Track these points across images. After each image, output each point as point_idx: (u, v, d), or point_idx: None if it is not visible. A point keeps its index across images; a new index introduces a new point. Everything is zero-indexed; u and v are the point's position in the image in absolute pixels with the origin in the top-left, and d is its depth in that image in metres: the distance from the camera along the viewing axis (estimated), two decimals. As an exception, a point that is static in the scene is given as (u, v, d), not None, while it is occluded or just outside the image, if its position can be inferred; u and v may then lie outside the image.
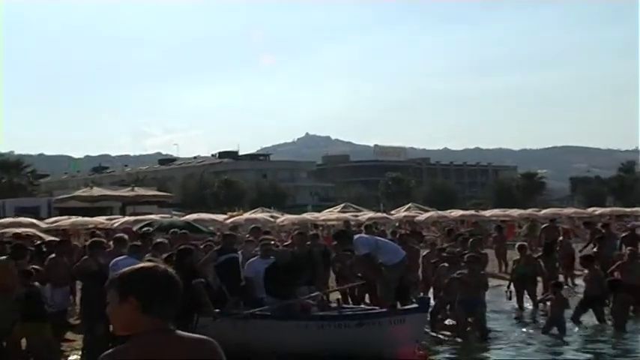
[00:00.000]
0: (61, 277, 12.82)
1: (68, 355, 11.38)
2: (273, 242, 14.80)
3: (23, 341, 10.97)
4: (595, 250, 17.77)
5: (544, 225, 26.08)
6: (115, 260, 11.64)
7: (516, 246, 16.95)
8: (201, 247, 14.74)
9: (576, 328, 13.30)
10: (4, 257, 11.77)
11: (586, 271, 14.55)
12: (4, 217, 33.93)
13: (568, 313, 13.30)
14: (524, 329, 13.65)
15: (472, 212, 41.94)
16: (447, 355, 11.77)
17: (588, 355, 11.64)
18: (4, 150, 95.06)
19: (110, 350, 3.00)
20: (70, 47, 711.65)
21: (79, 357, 11.19)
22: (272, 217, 36.10)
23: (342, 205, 42.30)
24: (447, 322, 13.49)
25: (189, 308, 9.95)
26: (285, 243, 16.36)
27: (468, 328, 12.83)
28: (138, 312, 2.97)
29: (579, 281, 16.51)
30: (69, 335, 12.50)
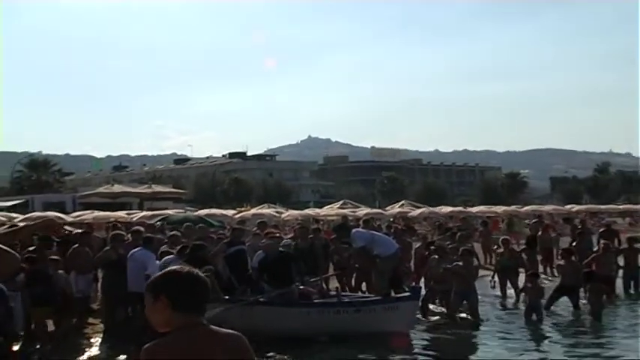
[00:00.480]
0: (84, 266, 12.80)
1: (91, 338, 11.37)
2: (278, 235, 14.82)
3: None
4: (574, 244, 17.76)
5: (534, 221, 26.16)
6: (132, 251, 11.66)
7: (500, 240, 16.94)
8: (215, 238, 14.80)
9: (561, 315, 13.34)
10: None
11: (562, 262, 14.58)
12: (33, 211, 33.95)
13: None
14: (506, 316, 13.64)
15: (460, 209, 42.00)
16: (439, 341, 11.70)
17: (566, 338, 11.66)
18: (33, 150, 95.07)
19: (150, 343, 3.05)
20: (94, 58, 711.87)
21: (100, 339, 11.18)
22: (277, 212, 36.12)
23: (341, 202, 42.27)
24: (434, 308, 13.49)
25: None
26: (289, 236, 16.29)
27: (462, 315, 12.82)
28: (169, 309, 3.04)
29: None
30: (91, 319, 12.50)
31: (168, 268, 3.27)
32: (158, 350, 3.03)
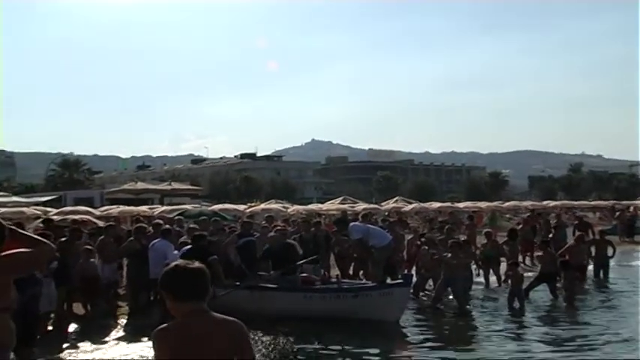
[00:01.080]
0: (110, 255, 12.83)
1: (118, 319, 11.40)
2: (283, 228, 14.83)
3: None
4: (550, 236, 17.76)
5: (527, 215, 26.24)
6: (153, 242, 11.69)
7: (483, 232, 16.93)
8: (227, 231, 14.81)
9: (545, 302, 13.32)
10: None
11: (541, 252, 14.57)
12: (65, 206, 34.00)
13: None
14: (490, 301, 13.63)
15: (448, 204, 41.87)
16: (429, 324, 11.69)
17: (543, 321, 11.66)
18: (65, 151, 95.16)
19: (159, 327, 3.18)
20: (121, 69, 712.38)
21: (126, 320, 11.22)
22: (284, 207, 36.09)
23: (341, 198, 42.24)
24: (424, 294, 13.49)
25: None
26: (292, 229, 16.32)
27: (449, 297, 12.80)
28: (172, 300, 3.23)
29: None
30: (118, 302, 12.53)
31: (168, 266, 3.38)
32: (166, 334, 3.16)
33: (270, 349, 8.84)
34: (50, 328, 10.19)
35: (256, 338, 9.10)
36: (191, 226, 15.03)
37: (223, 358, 3.15)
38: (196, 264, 3.30)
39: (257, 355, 8.31)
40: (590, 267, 16.13)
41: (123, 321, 11.20)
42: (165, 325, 3.19)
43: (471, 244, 20.73)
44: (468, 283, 13.56)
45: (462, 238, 15.26)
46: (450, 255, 12.87)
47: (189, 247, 11.03)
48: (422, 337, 10.60)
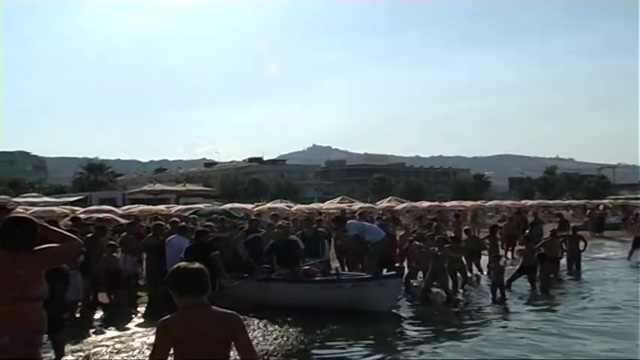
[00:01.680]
0: (131, 250, 12.85)
1: (138, 307, 11.42)
2: (287, 224, 14.83)
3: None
4: (527, 231, 17.77)
5: (515, 212, 26.45)
6: (169, 238, 11.69)
7: (463, 229, 16.93)
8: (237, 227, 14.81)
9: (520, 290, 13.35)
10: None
11: (523, 247, 14.58)
12: (91, 205, 34.04)
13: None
14: (474, 291, 13.64)
15: (436, 203, 41.89)
16: (420, 312, 11.70)
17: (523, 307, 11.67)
18: (91, 156, 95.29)
19: (164, 318, 3.30)
20: (141, 83, 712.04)
21: (145, 308, 11.23)
22: (287, 206, 36.07)
23: (339, 198, 42.23)
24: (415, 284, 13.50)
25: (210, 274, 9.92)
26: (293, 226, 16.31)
27: (436, 290, 12.83)
28: (177, 296, 3.36)
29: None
30: (139, 292, 12.55)
31: (173, 267, 3.54)
32: (170, 323, 3.28)
33: (284, 339, 8.84)
34: (78, 315, 10.21)
35: (270, 329, 9.20)
36: (206, 223, 15.01)
37: (220, 345, 3.27)
38: (197, 265, 3.45)
39: (272, 347, 8.50)
40: (564, 260, 16.17)
41: (142, 309, 11.22)
42: (169, 316, 3.30)
43: (458, 239, 20.82)
44: (463, 276, 13.57)
45: (451, 234, 15.23)
46: (436, 249, 12.92)
47: (192, 243, 10.91)
48: (413, 322, 10.64)
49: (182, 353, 3.22)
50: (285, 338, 8.87)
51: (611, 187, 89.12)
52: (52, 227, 4.59)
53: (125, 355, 8.02)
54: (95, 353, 8.17)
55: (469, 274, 14.59)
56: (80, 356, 7.92)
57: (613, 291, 13.59)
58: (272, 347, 8.42)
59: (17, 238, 3.93)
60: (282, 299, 10.73)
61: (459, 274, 13.49)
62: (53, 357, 7.41)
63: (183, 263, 3.55)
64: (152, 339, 3.66)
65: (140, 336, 8.95)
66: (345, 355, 8.58)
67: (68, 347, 7.91)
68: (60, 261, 4.77)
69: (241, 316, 3.42)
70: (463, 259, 14.42)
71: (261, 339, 8.76)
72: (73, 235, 4.48)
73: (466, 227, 17.46)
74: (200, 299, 3.33)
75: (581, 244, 16.91)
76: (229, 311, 3.39)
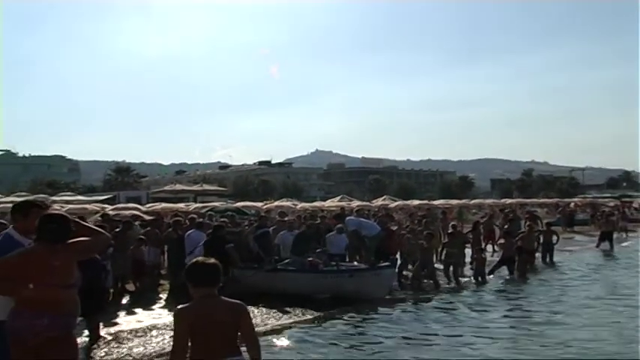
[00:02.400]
0: (154, 242, 12.87)
1: (160, 294, 11.42)
2: (293, 220, 14.85)
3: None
4: (507, 226, 17.73)
5: (507, 210, 26.53)
6: (187, 232, 11.69)
7: (450, 225, 16.91)
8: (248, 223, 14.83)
9: (494, 277, 13.38)
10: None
11: (503, 240, 14.56)
12: (119, 203, 34.05)
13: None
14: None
15: (426, 202, 41.71)
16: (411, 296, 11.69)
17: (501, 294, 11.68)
18: (118, 159, 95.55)
19: (179, 307, 3.43)
20: (163, 92, 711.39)
21: (166, 294, 11.23)
22: (293, 204, 35.92)
23: (339, 197, 42.03)
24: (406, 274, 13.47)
25: (224, 265, 9.93)
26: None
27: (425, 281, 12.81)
28: (192, 287, 3.47)
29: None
30: (161, 281, 12.56)
31: (190, 262, 3.65)
32: (184, 312, 3.40)
33: (290, 319, 9.04)
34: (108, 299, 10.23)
35: (278, 312, 9.43)
36: (220, 219, 15.02)
37: (228, 329, 3.38)
38: (211, 260, 3.55)
39: (291, 320, 8.78)
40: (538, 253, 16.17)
41: (164, 295, 11.23)
42: (184, 305, 3.42)
43: (454, 235, 20.73)
44: (456, 267, 13.47)
45: (449, 231, 15.06)
46: (424, 242, 12.91)
47: (209, 236, 10.87)
48: (405, 306, 10.66)
49: (198, 334, 3.31)
50: (291, 319, 9.06)
51: (580, 187, 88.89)
52: (83, 223, 4.61)
53: (148, 334, 8.06)
54: (122, 332, 8.23)
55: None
56: (111, 335, 7.97)
57: (583, 278, 13.66)
58: (281, 324, 8.65)
59: (53, 232, 3.95)
60: (288, 287, 10.72)
61: (451, 268, 13.34)
62: (89, 336, 7.51)
63: (200, 258, 3.64)
64: (172, 320, 3.74)
65: (162, 319, 8.98)
66: (342, 332, 8.61)
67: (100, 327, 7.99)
68: (90, 253, 4.77)
69: (252, 303, 3.51)
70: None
71: (268, 318, 8.88)
72: (102, 230, 4.50)
73: (453, 223, 17.41)
74: (212, 290, 3.43)
75: (554, 238, 16.91)
76: (236, 301, 3.50)
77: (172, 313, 3.59)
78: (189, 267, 3.54)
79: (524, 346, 7.73)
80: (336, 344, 7.88)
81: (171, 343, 3.45)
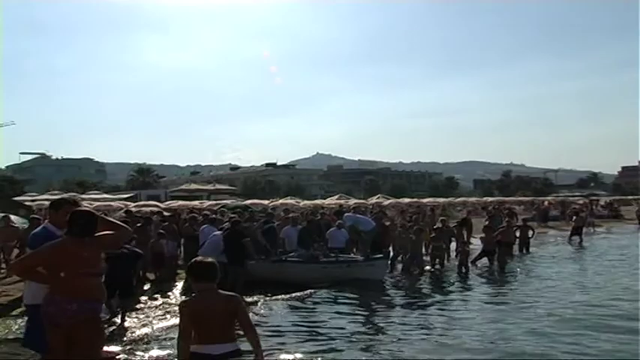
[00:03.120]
0: (172, 236, 12.88)
1: (177, 282, 11.42)
2: (297, 216, 14.84)
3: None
4: (488, 222, 17.71)
5: (495, 206, 26.61)
6: (202, 227, 11.71)
7: (439, 220, 16.91)
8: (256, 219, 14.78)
9: (476, 269, 13.39)
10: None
11: (484, 235, 14.57)
12: (140, 200, 34.09)
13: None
14: (444, 270, 13.61)
15: (415, 200, 41.71)
16: (402, 284, 11.70)
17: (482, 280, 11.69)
18: (140, 162, 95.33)
19: (184, 299, 3.68)
20: (179, 102, 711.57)
21: (182, 282, 11.23)
22: (296, 202, 35.98)
23: (338, 196, 42.12)
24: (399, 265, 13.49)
25: (241, 256, 9.98)
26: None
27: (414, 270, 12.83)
28: (193, 282, 3.63)
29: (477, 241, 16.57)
30: (178, 270, 12.56)
31: (192, 260, 3.77)
32: (189, 303, 3.58)
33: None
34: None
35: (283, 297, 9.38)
36: (231, 215, 15.02)
37: (225, 318, 3.48)
38: (209, 259, 3.69)
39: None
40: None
41: (180, 283, 11.21)
42: (188, 298, 3.61)
43: (440, 230, 20.69)
44: (442, 259, 13.46)
45: (437, 226, 15.08)
46: (413, 237, 12.91)
47: (228, 229, 11.00)
48: (396, 292, 10.69)
49: (198, 323, 3.46)
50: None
51: (553, 187, 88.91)
52: (108, 218, 4.64)
53: (167, 318, 8.08)
54: (144, 315, 8.27)
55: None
56: (134, 319, 8.00)
57: (555, 268, 13.67)
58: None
59: (82, 226, 3.98)
60: (291, 276, 10.73)
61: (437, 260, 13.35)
62: (118, 319, 7.53)
63: (199, 258, 3.79)
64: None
65: (178, 304, 8.97)
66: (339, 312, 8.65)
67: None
68: (114, 245, 4.81)
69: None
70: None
71: (275, 303, 8.90)
72: (124, 225, 4.53)
73: (442, 218, 17.43)
74: (210, 285, 3.55)
75: (530, 233, 16.90)
76: (232, 293, 3.65)
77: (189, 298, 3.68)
78: (191, 265, 3.66)
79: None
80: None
81: (179, 330, 3.56)
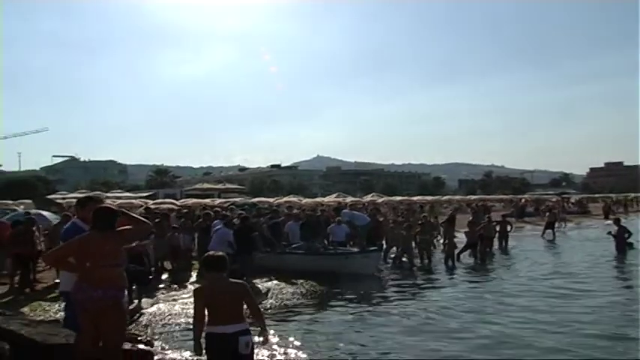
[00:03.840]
0: (187, 230, 12.87)
1: (191, 272, 11.42)
2: (299, 212, 14.83)
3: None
4: (472, 218, 17.69)
5: (480, 204, 26.67)
6: (213, 222, 11.70)
7: (421, 216, 16.89)
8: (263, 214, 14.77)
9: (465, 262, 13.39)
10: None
11: (468, 229, 14.57)
12: (158, 199, 34.05)
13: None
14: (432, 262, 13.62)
15: (406, 198, 41.73)
16: (394, 274, 11.71)
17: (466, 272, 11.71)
18: (158, 163, 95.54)
19: (198, 286, 3.76)
20: (196, 109, 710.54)
21: (197, 272, 11.23)
22: (299, 199, 35.96)
23: (336, 194, 42.06)
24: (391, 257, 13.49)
25: (250, 249, 10.00)
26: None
27: (404, 259, 12.80)
28: (205, 271, 3.79)
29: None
30: (192, 262, 12.55)
31: (204, 254, 3.93)
32: (201, 290, 3.73)
33: (306, 288, 9.17)
34: (151, 277, 10.23)
35: (298, 283, 9.50)
36: (239, 212, 15.01)
37: (233, 302, 3.62)
38: (219, 253, 3.83)
39: (298, 294, 8.86)
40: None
41: (195, 273, 11.20)
42: (200, 285, 3.79)
43: (426, 225, 20.60)
44: (428, 251, 13.36)
45: (420, 221, 15.08)
46: (404, 232, 12.91)
47: (239, 224, 10.98)
48: (389, 281, 10.70)
49: (210, 307, 3.60)
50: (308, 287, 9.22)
51: (529, 186, 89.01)
52: (131, 214, 4.66)
53: (182, 303, 8.09)
54: (162, 301, 8.27)
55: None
56: (153, 305, 8.00)
57: (532, 259, 13.69)
58: (288, 295, 8.71)
59: (104, 222, 4.01)
60: (294, 267, 10.73)
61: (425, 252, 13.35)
62: (136, 304, 7.54)
63: (211, 252, 3.93)
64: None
65: (193, 291, 8.97)
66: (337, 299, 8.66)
67: (144, 298, 8.03)
68: (135, 238, 4.86)
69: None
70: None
71: (278, 291, 8.92)
72: (144, 220, 4.56)
73: (424, 214, 17.41)
74: (220, 274, 3.69)
75: (509, 227, 16.90)
76: (239, 281, 3.81)
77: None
78: (204, 258, 3.81)
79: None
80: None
81: (194, 313, 3.72)
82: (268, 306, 8.10)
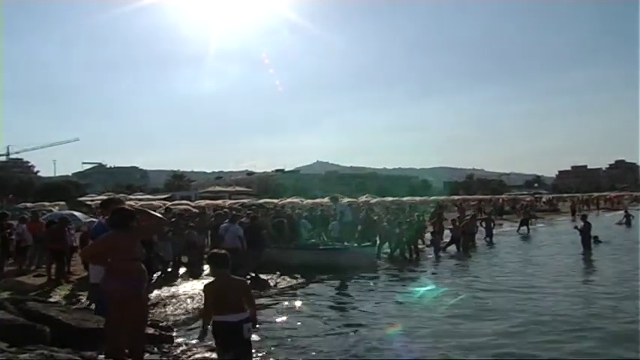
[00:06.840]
0: (201, 228, 12.83)
1: (205, 266, 11.35)
2: (300, 211, 14.79)
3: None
4: (458, 215, 17.70)
5: (473, 203, 26.71)
6: (224, 221, 11.67)
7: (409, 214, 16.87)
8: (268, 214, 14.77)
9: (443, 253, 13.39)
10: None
11: (452, 226, 14.57)
12: (175, 200, 34.07)
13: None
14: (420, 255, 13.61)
15: (397, 198, 41.76)
16: (388, 266, 11.70)
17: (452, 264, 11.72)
18: (175, 169, 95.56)
19: (207, 282, 3.83)
20: (208, 120, 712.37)
21: (209, 267, 11.20)
22: (300, 200, 36.00)
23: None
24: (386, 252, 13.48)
25: (260, 245, 10.00)
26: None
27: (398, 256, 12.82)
28: (212, 268, 3.92)
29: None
30: (205, 256, 12.50)
31: (210, 251, 4.06)
32: (209, 285, 3.81)
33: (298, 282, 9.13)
34: (169, 269, 10.27)
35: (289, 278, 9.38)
36: (248, 211, 15.01)
37: (236, 295, 3.72)
38: (223, 251, 3.92)
39: (290, 284, 8.82)
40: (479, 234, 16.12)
41: (207, 267, 11.17)
42: (209, 280, 3.86)
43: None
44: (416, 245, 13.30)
45: (406, 219, 15.07)
46: (397, 230, 12.93)
47: (249, 223, 10.82)
48: (382, 273, 10.69)
49: (218, 298, 3.71)
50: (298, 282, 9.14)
51: (506, 187, 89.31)
52: (150, 212, 4.72)
53: (197, 293, 8.10)
54: (180, 292, 8.27)
55: (420, 245, 14.58)
56: (172, 295, 8.01)
57: (509, 253, 13.71)
58: (290, 284, 8.78)
59: (119, 221, 4.05)
60: (296, 261, 10.71)
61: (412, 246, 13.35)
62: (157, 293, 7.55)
63: (215, 250, 4.05)
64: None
65: (204, 285, 8.96)
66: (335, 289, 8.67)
67: (164, 289, 8.04)
68: (151, 234, 4.95)
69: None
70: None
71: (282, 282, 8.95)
72: (160, 216, 4.65)
73: (417, 214, 17.42)
74: (225, 271, 3.78)
75: (491, 224, 16.92)
76: (240, 278, 3.95)
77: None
78: (210, 255, 3.92)
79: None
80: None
81: (204, 304, 3.86)
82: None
